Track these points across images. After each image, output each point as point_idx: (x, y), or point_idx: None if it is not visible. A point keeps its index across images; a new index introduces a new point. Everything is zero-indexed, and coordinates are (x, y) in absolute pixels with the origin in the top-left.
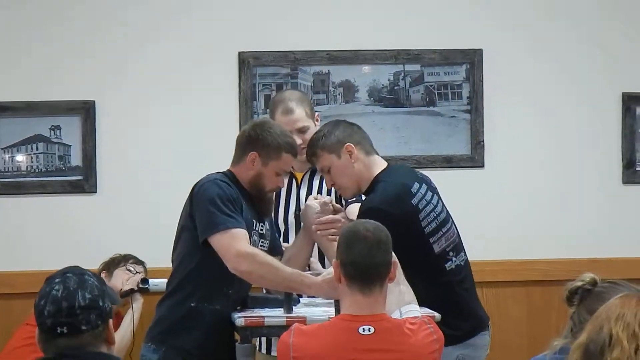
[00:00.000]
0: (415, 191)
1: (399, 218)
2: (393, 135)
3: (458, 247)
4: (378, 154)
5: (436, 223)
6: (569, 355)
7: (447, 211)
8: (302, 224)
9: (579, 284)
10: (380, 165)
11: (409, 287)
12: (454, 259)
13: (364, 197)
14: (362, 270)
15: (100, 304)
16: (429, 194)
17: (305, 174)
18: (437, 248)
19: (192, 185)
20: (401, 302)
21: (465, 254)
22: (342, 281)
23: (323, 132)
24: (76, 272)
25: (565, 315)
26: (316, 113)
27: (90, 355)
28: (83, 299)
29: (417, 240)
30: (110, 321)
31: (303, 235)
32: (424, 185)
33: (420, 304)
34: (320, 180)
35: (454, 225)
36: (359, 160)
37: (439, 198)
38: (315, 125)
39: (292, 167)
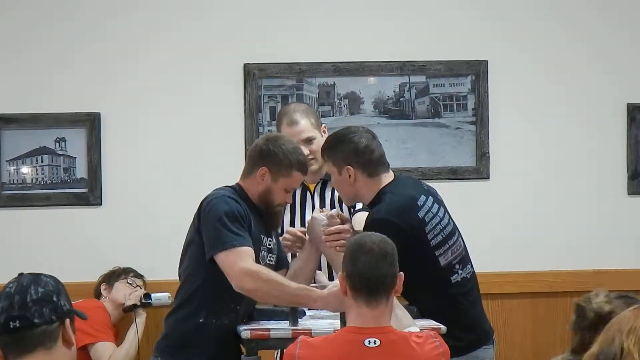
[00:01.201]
0: (421, 204)
1: (405, 230)
2: (398, 147)
3: (464, 259)
4: (388, 169)
5: (442, 236)
6: None
7: (454, 224)
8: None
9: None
10: (386, 180)
11: (405, 311)
12: (460, 271)
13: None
14: (368, 283)
15: (55, 299)
16: (435, 206)
17: (317, 185)
18: (443, 261)
19: (200, 199)
20: (400, 327)
21: (471, 267)
22: (347, 294)
23: (331, 143)
24: (32, 273)
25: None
26: (323, 125)
27: None
28: (35, 293)
29: (423, 252)
30: (68, 321)
31: (309, 248)
32: (430, 197)
33: (425, 316)
34: (332, 192)
35: (460, 238)
36: (359, 181)
37: (446, 210)
38: (322, 135)
39: (304, 180)
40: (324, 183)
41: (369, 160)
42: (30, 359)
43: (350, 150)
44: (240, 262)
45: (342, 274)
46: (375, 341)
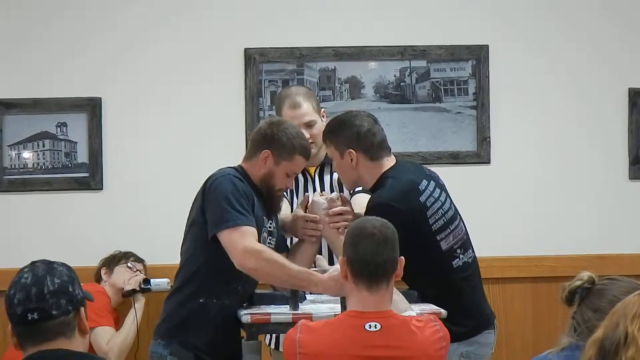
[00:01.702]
0: (423, 188)
1: (406, 214)
2: (399, 132)
3: (466, 244)
4: (389, 153)
5: (444, 220)
6: (584, 350)
7: (455, 208)
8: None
9: (578, 283)
10: (387, 164)
11: (402, 296)
12: (461, 256)
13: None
14: (368, 268)
15: (70, 289)
16: (437, 191)
17: (316, 169)
18: (444, 245)
19: (201, 184)
20: (397, 311)
21: (473, 252)
22: (348, 278)
23: (334, 127)
24: (45, 261)
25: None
26: (322, 109)
27: (73, 356)
28: (52, 284)
29: (424, 237)
30: (82, 310)
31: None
32: (432, 182)
33: (426, 301)
34: (331, 175)
35: (462, 223)
36: (361, 165)
37: (447, 195)
38: (322, 120)
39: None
40: (322, 166)
41: (371, 144)
42: (51, 345)
43: (353, 134)
44: (243, 241)
45: (343, 259)
46: (375, 325)
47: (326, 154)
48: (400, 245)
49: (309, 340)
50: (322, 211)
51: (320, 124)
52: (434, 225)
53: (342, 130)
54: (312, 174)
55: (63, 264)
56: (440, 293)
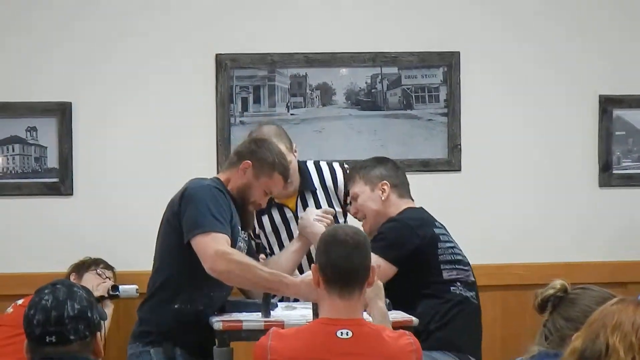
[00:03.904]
0: (439, 225)
1: (418, 235)
2: (370, 139)
3: (471, 287)
4: (412, 200)
5: (452, 257)
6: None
7: (469, 263)
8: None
9: (551, 291)
10: (410, 205)
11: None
12: (461, 289)
13: None
14: (341, 274)
15: (89, 314)
16: (451, 237)
17: (297, 199)
18: (445, 275)
19: (171, 189)
20: (385, 315)
21: (476, 299)
22: (320, 285)
23: (368, 163)
24: (65, 283)
25: (540, 321)
26: (294, 144)
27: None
28: (72, 309)
29: (428, 260)
30: (99, 334)
31: (296, 240)
32: (445, 229)
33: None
34: (314, 197)
35: (472, 274)
36: (389, 200)
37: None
38: (294, 156)
39: (280, 198)
40: (301, 193)
41: (402, 182)
42: None
43: (389, 169)
44: (214, 245)
45: (315, 265)
46: (347, 332)
47: (299, 185)
48: (403, 261)
49: (280, 347)
50: (315, 215)
51: (294, 162)
52: (441, 256)
53: (377, 166)
54: (294, 208)
55: (83, 288)
56: (428, 311)
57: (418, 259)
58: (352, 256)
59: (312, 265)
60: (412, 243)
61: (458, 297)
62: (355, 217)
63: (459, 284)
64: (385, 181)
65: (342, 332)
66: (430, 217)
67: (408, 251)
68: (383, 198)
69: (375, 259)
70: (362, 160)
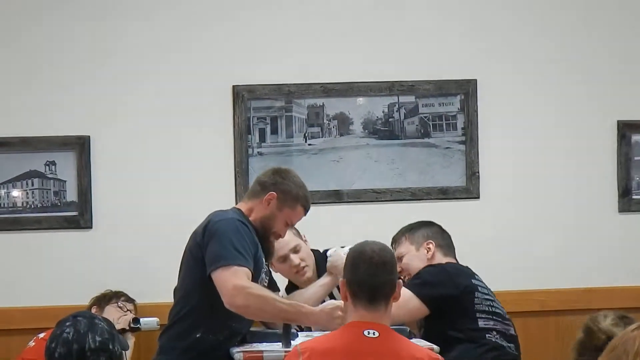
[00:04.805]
0: (478, 279)
1: (455, 282)
2: (388, 168)
3: (510, 339)
4: (457, 260)
5: (489, 308)
6: None
7: (510, 319)
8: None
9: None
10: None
11: None
12: (497, 337)
13: None
14: (367, 289)
15: (111, 347)
16: (491, 293)
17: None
18: (481, 323)
19: (190, 222)
20: None
21: (516, 351)
22: (348, 299)
23: (413, 225)
24: (87, 315)
25: (562, 346)
26: (302, 234)
27: None
28: (93, 342)
29: (464, 309)
30: None
31: (326, 275)
32: (485, 284)
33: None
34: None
35: (514, 330)
36: (434, 258)
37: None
38: (305, 243)
39: (301, 285)
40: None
41: (448, 244)
42: None
43: (435, 230)
44: (234, 280)
45: (343, 280)
46: (374, 332)
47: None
48: (431, 300)
49: (309, 345)
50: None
51: (305, 246)
52: (478, 306)
53: (422, 227)
54: None
55: (105, 319)
56: (462, 352)
57: (453, 306)
58: (378, 273)
59: (340, 280)
60: (447, 288)
61: (493, 344)
62: (402, 275)
63: (495, 333)
64: (430, 240)
65: (368, 332)
66: (470, 270)
67: (441, 294)
68: (429, 256)
69: (408, 295)
70: (408, 224)
